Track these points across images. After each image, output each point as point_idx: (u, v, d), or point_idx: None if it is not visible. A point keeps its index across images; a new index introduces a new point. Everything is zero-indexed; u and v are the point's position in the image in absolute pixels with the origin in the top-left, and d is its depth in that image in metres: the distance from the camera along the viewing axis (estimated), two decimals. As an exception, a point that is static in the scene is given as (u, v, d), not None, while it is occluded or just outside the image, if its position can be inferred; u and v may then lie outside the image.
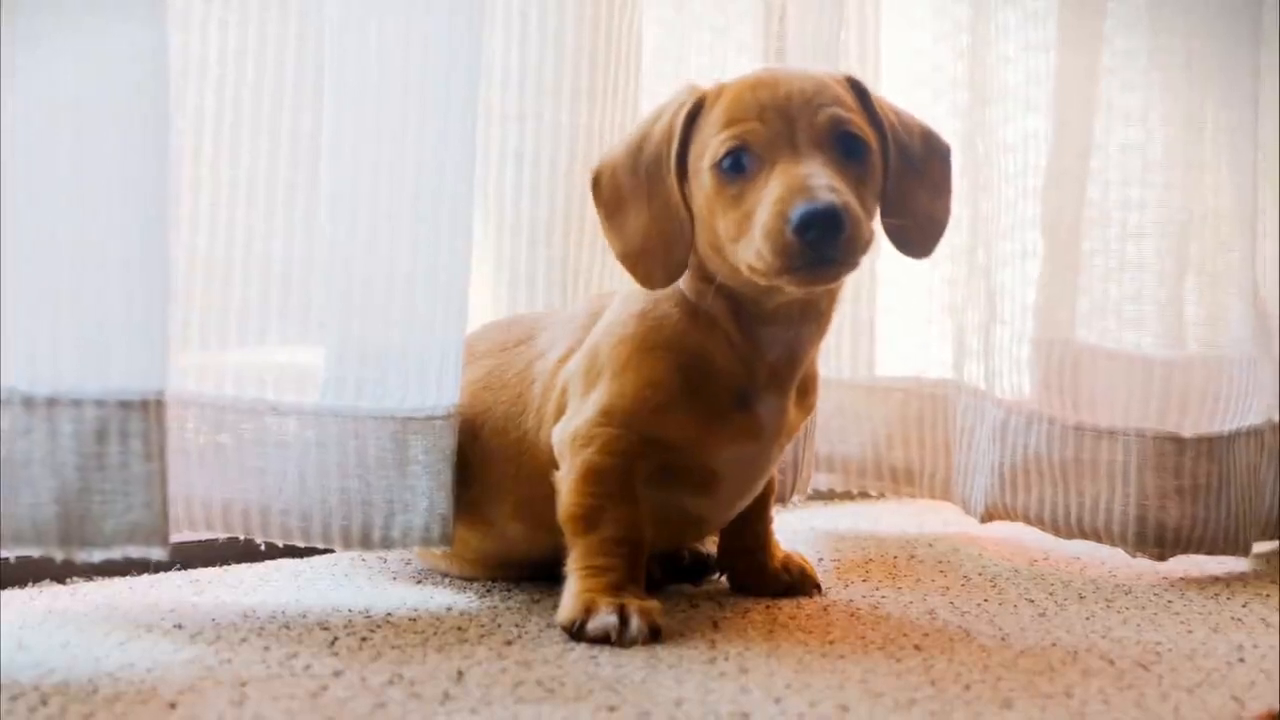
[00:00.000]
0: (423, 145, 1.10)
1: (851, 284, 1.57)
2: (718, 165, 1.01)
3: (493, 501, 1.14)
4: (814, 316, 1.08)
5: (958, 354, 1.51)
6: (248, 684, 0.88)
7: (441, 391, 1.11)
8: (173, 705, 0.83)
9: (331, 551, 1.25)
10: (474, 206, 1.13)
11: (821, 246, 0.96)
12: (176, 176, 1.11)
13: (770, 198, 0.98)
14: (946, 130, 1.52)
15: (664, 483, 1.08)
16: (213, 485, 1.10)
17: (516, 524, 1.14)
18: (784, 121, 1.01)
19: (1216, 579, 1.32)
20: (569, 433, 1.07)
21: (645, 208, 1.06)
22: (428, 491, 1.11)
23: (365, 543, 1.11)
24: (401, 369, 1.11)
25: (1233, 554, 1.37)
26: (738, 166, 1.01)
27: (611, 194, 1.08)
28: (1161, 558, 1.36)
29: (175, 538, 1.21)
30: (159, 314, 0.97)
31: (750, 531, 1.20)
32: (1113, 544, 1.36)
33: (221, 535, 1.12)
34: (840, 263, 0.98)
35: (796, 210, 0.95)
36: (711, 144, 1.02)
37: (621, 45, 1.36)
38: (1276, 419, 1.44)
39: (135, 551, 0.95)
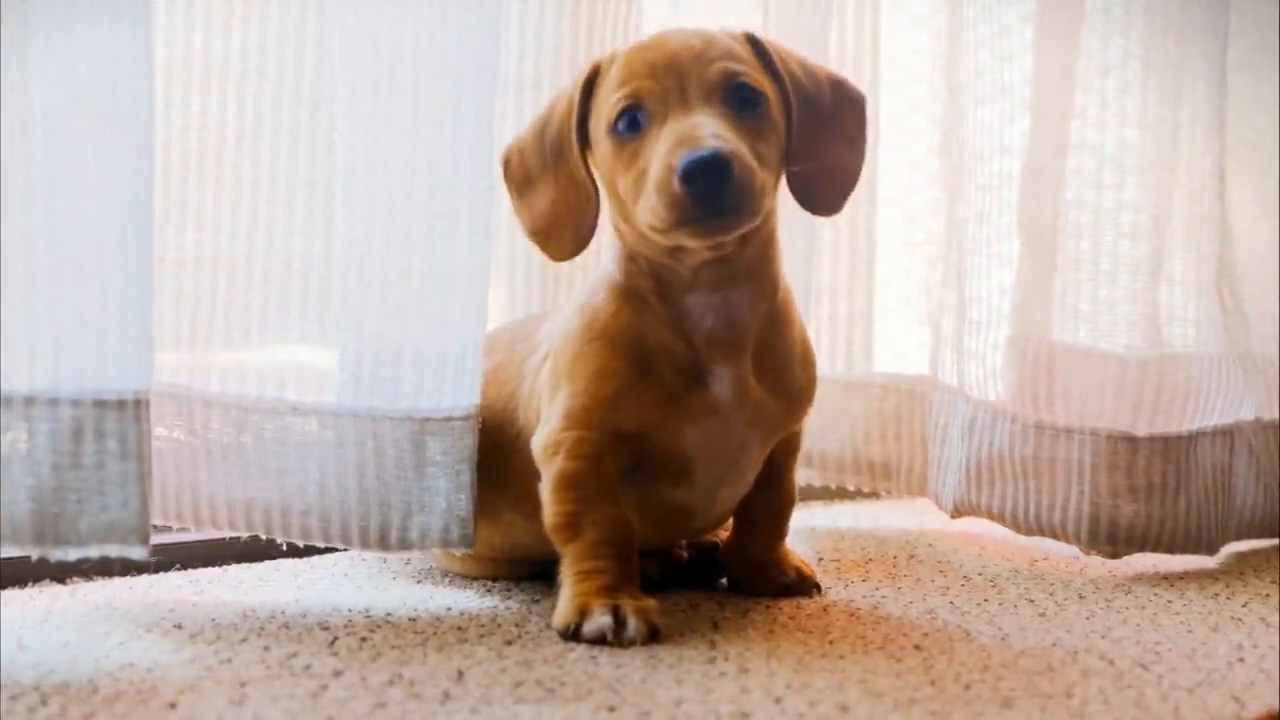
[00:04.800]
0: (439, 141, 1.09)
1: (846, 280, 1.59)
2: (613, 127, 1.02)
3: (497, 492, 1.14)
4: (742, 278, 1.07)
5: (934, 350, 1.50)
6: (248, 684, 0.88)
7: (459, 391, 1.11)
8: (173, 705, 0.83)
9: (333, 551, 1.25)
10: (493, 203, 1.13)
11: (710, 196, 0.96)
12: (199, 177, 1.12)
13: (660, 151, 0.99)
14: (939, 130, 1.53)
15: (641, 476, 1.08)
16: (235, 484, 1.10)
17: (517, 515, 1.14)
18: (675, 78, 1.01)
19: (1217, 579, 1.32)
20: (540, 443, 1.08)
21: (552, 184, 1.08)
22: (446, 493, 1.11)
23: (384, 544, 1.11)
24: (418, 368, 1.11)
25: (1195, 553, 1.36)
26: (633, 125, 1.02)
27: (521, 174, 1.10)
28: (1115, 555, 1.35)
29: (178, 537, 1.23)
30: (139, 314, 0.97)
31: (758, 531, 1.19)
32: (1068, 541, 1.36)
33: (244, 534, 1.13)
34: (734, 211, 0.97)
35: (681, 160, 0.96)
36: (605, 107, 1.03)
37: (607, 43, 1.36)
38: (1268, 417, 1.43)
39: (113, 550, 0.95)
